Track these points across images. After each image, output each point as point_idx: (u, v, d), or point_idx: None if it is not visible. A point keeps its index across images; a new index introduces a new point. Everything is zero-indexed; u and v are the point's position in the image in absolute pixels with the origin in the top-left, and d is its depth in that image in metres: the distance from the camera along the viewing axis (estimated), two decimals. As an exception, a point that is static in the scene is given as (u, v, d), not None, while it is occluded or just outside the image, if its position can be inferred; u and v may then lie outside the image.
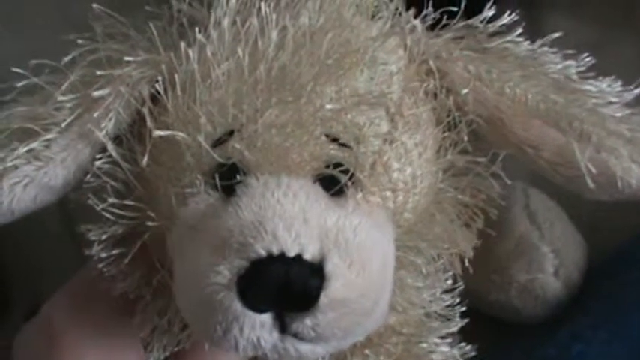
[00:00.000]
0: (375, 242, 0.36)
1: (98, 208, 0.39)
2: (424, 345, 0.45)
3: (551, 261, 0.52)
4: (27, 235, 0.56)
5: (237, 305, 0.34)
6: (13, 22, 0.59)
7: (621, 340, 0.49)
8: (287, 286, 0.34)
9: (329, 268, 0.34)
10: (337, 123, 0.37)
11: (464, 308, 0.45)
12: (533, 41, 0.41)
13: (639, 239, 0.54)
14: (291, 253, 0.34)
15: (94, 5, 0.41)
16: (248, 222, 0.35)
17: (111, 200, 0.39)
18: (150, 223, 0.39)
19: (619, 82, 0.41)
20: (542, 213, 0.53)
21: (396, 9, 0.40)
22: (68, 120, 0.38)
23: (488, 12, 0.41)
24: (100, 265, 0.40)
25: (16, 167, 0.39)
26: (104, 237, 0.40)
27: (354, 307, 0.35)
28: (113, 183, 0.40)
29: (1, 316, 0.60)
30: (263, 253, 0.34)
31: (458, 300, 0.45)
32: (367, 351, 0.44)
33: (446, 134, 0.40)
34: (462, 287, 0.45)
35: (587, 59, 0.41)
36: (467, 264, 0.43)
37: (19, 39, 0.57)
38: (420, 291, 0.44)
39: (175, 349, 0.43)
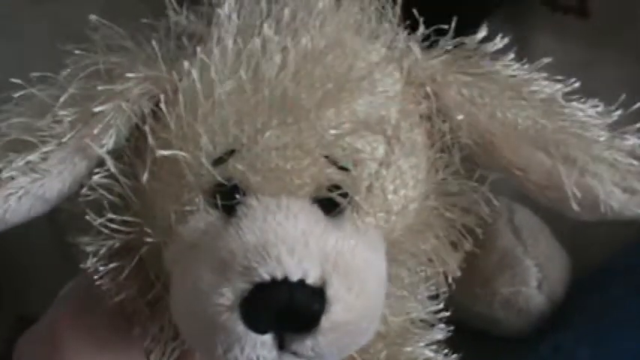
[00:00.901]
0: (370, 263, 0.37)
1: (95, 223, 0.39)
2: (408, 349, 0.45)
3: (534, 275, 0.53)
4: (15, 244, 0.55)
5: (240, 327, 0.35)
6: (7, 31, 0.59)
7: (603, 355, 0.49)
8: (290, 310, 0.35)
9: (330, 292, 0.35)
10: (336, 146, 0.38)
11: (448, 313, 0.46)
12: (520, 60, 0.42)
13: (623, 254, 0.54)
14: (295, 278, 0.35)
15: (92, 16, 0.41)
16: (251, 245, 0.35)
17: (109, 215, 0.39)
18: (147, 239, 0.39)
19: (602, 105, 0.42)
20: (526, 227, 0.54)
21: (394, 30, 0.41)
22: (69, 135, 0.38)
23: (481, 33, 0.41)
24: (96, 278, 0.40)
25: (12, 178, 0.39)
26: (102, 251, 0.40)
27: (353, 329, 0.36)
28: (110, 197, 0.40)
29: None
30: (267, 277, 0.35)
31: (442, 306, 0.46)
32: (354, 355, 0.44)
33: (438, 155, 0.41)
34: (447, 294, 0.46)
35: (574, 81, 0.42)
36: (450, 282, 0.44)
37: (14, 47, 0.57)
38: (404, 300, 0.45)
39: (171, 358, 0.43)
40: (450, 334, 0.47)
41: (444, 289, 0.46)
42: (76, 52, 0.41)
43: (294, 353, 0.36)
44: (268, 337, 0.35)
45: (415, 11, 0.41)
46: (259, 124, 0.37)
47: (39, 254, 0.57)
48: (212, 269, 0.36)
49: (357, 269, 0.36)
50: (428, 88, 0.41)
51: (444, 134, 0.41)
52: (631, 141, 0.41)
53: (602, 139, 0.41)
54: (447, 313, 0.46)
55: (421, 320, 0.46)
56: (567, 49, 0.61)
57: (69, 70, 0.40)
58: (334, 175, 0.37)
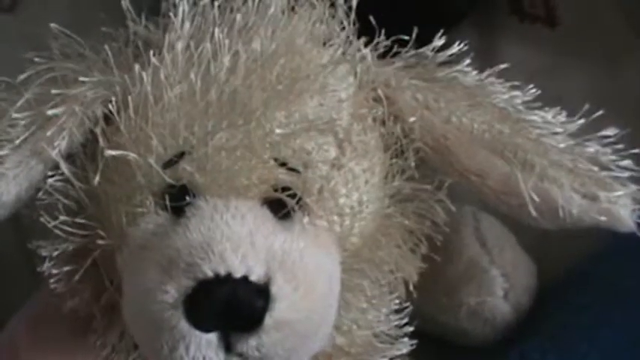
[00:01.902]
0: (320, 265, 0.37)
1: (50, 225, 0.40)
2: None
3: (500, 284, 0.52)
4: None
5: (184, 324, 0.35)
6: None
7: (569, 363, 0.50)
8: (233, 307, 0.35)
9: (274, 290, 0.35)
10: (286, 148, 0.38)
11: (412, 329, 0.46)
12: (485, 69, 0.42)
13: (589, 263, 0.54)
14: (238, 275, 0.35)
15: (52, 25, 0.41)
16: (196, 243, 0.36)
17: (62, 218, 0.39)
18: (100, 242, 0.39)
19: (564, 113, 0.42)
20: (492, 236, 0.53)
21: (347, 37, 0.41)
22: (22, 137, 0.38)
23: (438, 41, 0.42)
24: (51, 282, 0.41)
25: None
26: (55, 253, 0.40)
27: (299, 329, 0.36)
28: (65, 201, 0.40)
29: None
30: (210, 273, 0.35)
31: (406, 321, 0.46)
32: None
33: (393, 161, 0.41)
34: (411, 309, 0.46)
35: (533, 90, 0.42)
36: (411, 288, 0.44)
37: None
38: (366, 312, 0.44)
39: None
40: (413, 347, 0.46)
41: (408, 303, 0.46)
42: (36, 59, 0.41)
43: (241, 355, 0.36)
44: (213, 337, 0.35)
45: (373, 20, 0.41)
46: (209, 126, 0.37)
47: (3, 261, 0.57)
48: (158, 268, 0.36)
49: (304, 270, 0.36)
50: (381, 92, 0.41)
51: (399, 139, 0.41)
52: (592, 148, 0.41)
53: (561, 145, 0.41)
54: (411, 328, 0.46)
55: (386, 334, 0.46)
56: (535, 58, 0.61)
57: (25, 75, 0.40)
58: (284, 176, 0.38)
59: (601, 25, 0.64)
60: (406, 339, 0.46)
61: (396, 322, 0.46)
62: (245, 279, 0.35)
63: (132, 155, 0.38)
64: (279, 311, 0.35)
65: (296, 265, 0.36)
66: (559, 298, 0.53)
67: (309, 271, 0.36)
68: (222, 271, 0.35)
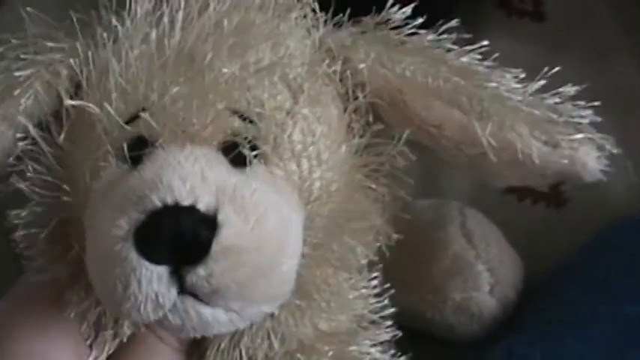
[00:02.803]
0: (272, 204, 0.37)
1: (20, 186, 0.41)
2: (354, 348, 0.45)
3: (486, 279, 0.52)
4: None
5: (134, 255, 0.35)
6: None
7: (556, 358, 0.48)
8: (180, 236, 0.35)
9: (221, 217, 0.35)
10: (240, 99, 0.39)
11: (393, 309, 0.46)
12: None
13: (576, 257, 0.54)
14: (185, 203, 0.35)
15: (28, 9, 0.44)
16: (148, 179, 0.36)
17: (29, 174, 0.41)
18: (65, 198, 0.40)
19: (523, 75, 0.42)
20: (478, 232, 0.53)
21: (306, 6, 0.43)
22: None
23: (391, 10, 0.43)
24: (21, 246, 0.42)
25: None
26: (23, 214, 0.41)
27: (248, 260, 0.36)
28: (35, 166, 0.41)
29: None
30: (158, 203, 0.35)
31: (386, 303, 0.46)
32: (299, 355, 0.44)
33: (351, 117, 0.42)
34: (390, 291, 0.46)
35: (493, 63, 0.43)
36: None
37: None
38: (345, 291, 0.44)
39: (113, 346, 0.43)
40: (397, 335, 0.46)
41: (388, 285, 0.46)
42: (12, 41, 0.44)
43: (194, 293, 0.36)
44: (164, 271, 0.35)
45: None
46: (167, 81, 0.39)
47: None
48: (112, 207, 0.37)
49: (255, 206, 0.36)
50: (335, 52, 0.42)
51: (354, 94, 0.42)
52: (550, 100, 0.42)
53: (519, 97, 0.41)
54: (392, 309, 0.46)
55: (370, 322, 0.46)
56: (522, 52, 0.63)
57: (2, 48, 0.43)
58: (238, 125, 0.39)
59: (589, 19, 0.65)
60: (388, 323, 0.46)
61: (378, 305, 0.45)
62: (192, 208, 0.35)
63: (91, 106, 0.39)
64: (226, 237, 0.35)
65: (246, 200, 0.36)
66: (546, 293, 0.53)
67: (260, 208, 0.36)
68: (170, 200, 0.35)
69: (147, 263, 0.35)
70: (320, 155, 0.41)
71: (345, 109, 0.42)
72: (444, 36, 0.43)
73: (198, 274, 0.35)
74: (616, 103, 0.59)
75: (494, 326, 0.52)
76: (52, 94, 0.41)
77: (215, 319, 0.37)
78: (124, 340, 0.43)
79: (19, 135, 0.41)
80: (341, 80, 0.42)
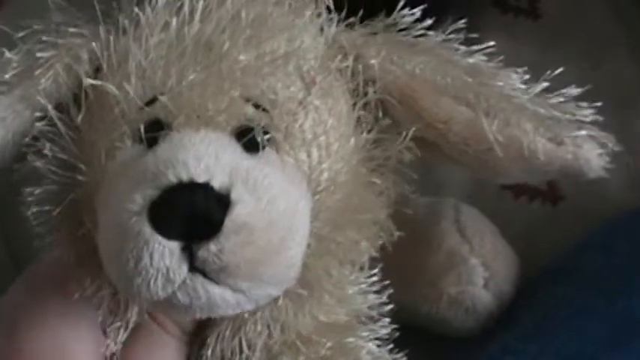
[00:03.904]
0: (283, 188, 0.39)
1: (36, 164, 0.42)
2: (351, 340, 0.46)
3: (481, 273, 0.53)
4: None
5: (147, 229, 0.36)
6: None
7: (551, 353, 0.49)
8: (194, 211, 0.36)
9: (234, 195, 0.37)
10: (255, 87, 0.41)
11: (392, 305, 0.47)
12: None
13: (572, 253, 0.55)
14: (200, 180, 0.36)
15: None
16: (164, 157, 0.38)
17: (47, 152, 0.42)
18: (80, 177, 0.41)
19: (527, 76, 0.44)
20: (472, 227, 0.55)
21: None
22: (10, 74, 0.41)
23: (403, 12, 0.44)
24: (34, 224, 0.43)
25: None
26: (37, 192, 0.42)
27: (258, 238, 0.37)
28: (53, 147, 0.43)
29: None
30: (174, 180, 0.37)
31: (385, 299, 0.47)
32: (298, 343, 0.45)
33: (360, 113, 0.44)
34: (389, 288, 0.47)
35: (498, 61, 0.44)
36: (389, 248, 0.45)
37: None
38: (345, 286, 0.46)
39: (126, 332, 0.44)
40: (395, 332, 0.47)
41: (387, 281, 0.47)
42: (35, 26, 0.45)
43: (205, 275, 0.37)
44: (176, 246, 0.36)
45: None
46: (185, 68, 0.40)
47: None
48: (128, 183, 0.38)
49: (267, 188, 0.38)
50: (347, 48, 0.44)
51: (364, 89, 0.43)
52: (554, 100, 0.43)
53: (525, 96, 0.43)
54: (391, 306, 0.47)
55: (364, 313, 0.47)
56: (518, 50, 0.63)
57: (23, 32, 0.44)
58: (252, 112, 0.40)
59: (584, 17, 0.66)
60: (385, 319, 0.47)
61: (376, 301, 0.47)
62: (207, 185, 0.37)
63: (111, 87, 0.40)
64: (238, 215, 0.36)
65: (258, 182, 0.38)
66: (542, 289, 0.54)
67: (271, 190, 0.38)
68: (185, 177, 0.36)
69: (160, 238, 0.36)
70: (330, 146, 0.42)
71: (354, 105, 0.44)
72: (452, 36, 0.44)
73: (209, 250, 0.36)
74: (611, 99, 0.60)
75: (490, 321, 0.53)
76: (71, 77, 0.43)
77: (223, 299, 0.38)
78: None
79: (37, 115, 0.43)
80: (352, 76, 0.44)
